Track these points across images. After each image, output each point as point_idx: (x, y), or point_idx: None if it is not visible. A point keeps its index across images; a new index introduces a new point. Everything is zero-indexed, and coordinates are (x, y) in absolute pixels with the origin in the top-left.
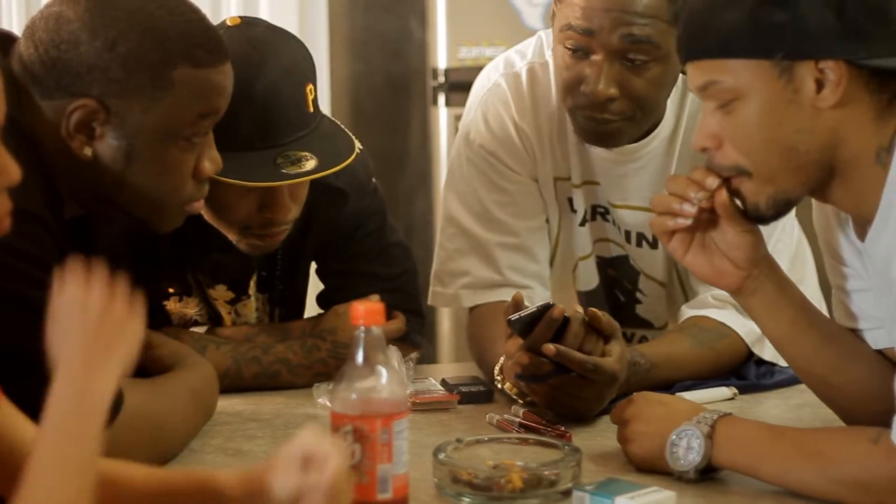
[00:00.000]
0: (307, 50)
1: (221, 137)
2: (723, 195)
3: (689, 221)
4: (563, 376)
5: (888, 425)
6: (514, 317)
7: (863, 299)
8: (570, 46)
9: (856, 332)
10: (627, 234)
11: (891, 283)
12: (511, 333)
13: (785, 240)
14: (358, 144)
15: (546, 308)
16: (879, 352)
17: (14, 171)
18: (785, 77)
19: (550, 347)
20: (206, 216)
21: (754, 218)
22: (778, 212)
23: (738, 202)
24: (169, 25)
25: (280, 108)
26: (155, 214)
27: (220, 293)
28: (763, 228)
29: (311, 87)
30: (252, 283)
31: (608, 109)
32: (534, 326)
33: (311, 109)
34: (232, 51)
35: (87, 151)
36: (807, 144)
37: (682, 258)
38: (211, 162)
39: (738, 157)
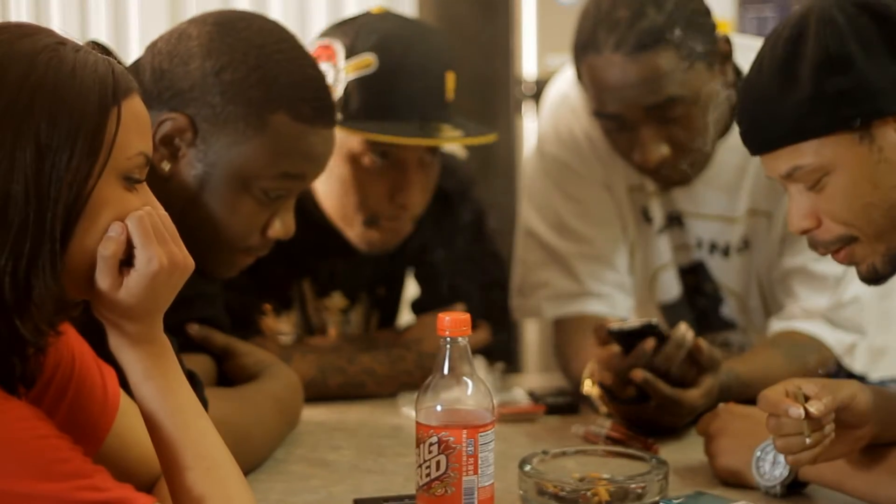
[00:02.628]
0: (450, 43)
1: (369, 106)
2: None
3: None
4: (643, 404)
5: None
6: (616, 328)
7: None
8: (605, 127)
9: None
10: (700, 241)
11: None
12: (607, 341)
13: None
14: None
15: (650, 327)
16: None
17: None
18: (866, 140)
19: (639, 374)
20: (331, 209)
21: (872, 280)
22: (894, 267)
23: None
24: (283, 70)
25: (426, 83)
26: (212, 255)
27: (336, 301)
28: None
29: (451, 74)
30: (364, 289)
31: (663, 165)
32: (633, 340)
33: (450, 96)
34: (384, 30)
35: (166, 166)
36: None
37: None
38: (283, 225)
39: (841, 229)
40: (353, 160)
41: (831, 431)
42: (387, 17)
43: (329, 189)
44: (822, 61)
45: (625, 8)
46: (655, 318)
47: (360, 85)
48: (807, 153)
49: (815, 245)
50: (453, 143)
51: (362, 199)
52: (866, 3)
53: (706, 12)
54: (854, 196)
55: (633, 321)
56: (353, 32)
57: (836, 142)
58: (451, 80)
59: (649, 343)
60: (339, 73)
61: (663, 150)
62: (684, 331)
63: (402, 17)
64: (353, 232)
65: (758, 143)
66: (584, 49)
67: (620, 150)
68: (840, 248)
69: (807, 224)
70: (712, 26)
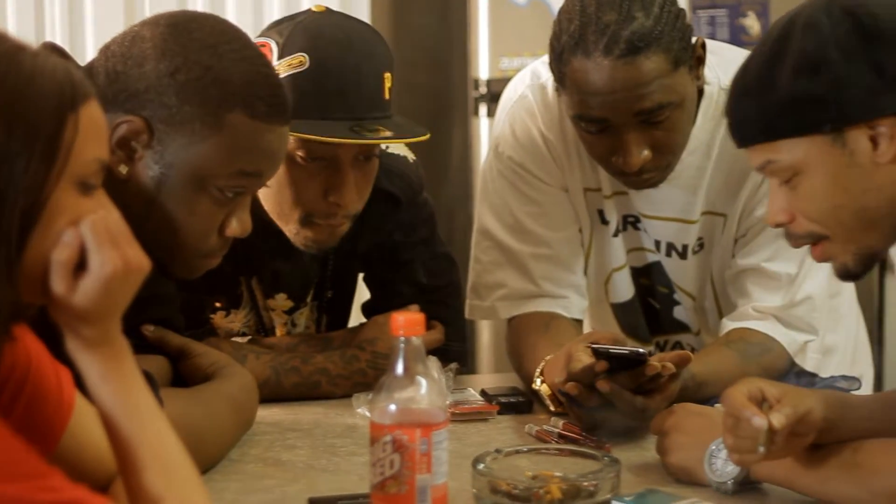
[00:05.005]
0: (388, 44)
1: (301, 104)
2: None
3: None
4: (608, 412)
5: None
6: (602, 348)
7: None
8: (586, 130)
9: None
10: (657, 243)
11: None
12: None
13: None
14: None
15: (639, 357)
16: None
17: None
18: (839, 144)
19: (605, 385)
20: (268, 206)
21: (846, 276)
22: (866, 267)
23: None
24: (237, 69)
25: (360, 82)
26: (172, 257)
27: (280, 302)
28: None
29: (388, 75)
30: (311, 292)
31: (644, 170)
32: (617, 364)
33: (387, 97)
34: (318, 29)
35: (123, 169)
36: (876, 201)
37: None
38: (239, 224)
39: (813, 226)
40: (288, 158)
41: (783, 440)
42: (324, 16)
43: (266, 187)
44: (800, 64)
45: (612, 11)
46: (644, 350)
47: (292, 83)
48: (780, 151)
49: (788, 238)
50: (381, 143)
51: (297, 196)
52: (853, 10)
53: (684, 16)
54: (824, 197)
55: (623, 347)
56: (287, 31)
57: (809, 143)
58: (387, 80)
59: (650, 368)
60: None
61: (646, 155)
62: (669, 371)
63: (341, 16)
64: (290, 230)
65: (738, 137)
66: (571, 51)
67: (598, 154)
68: (812, 243)
69: (781, 218)
70: (691, 30)
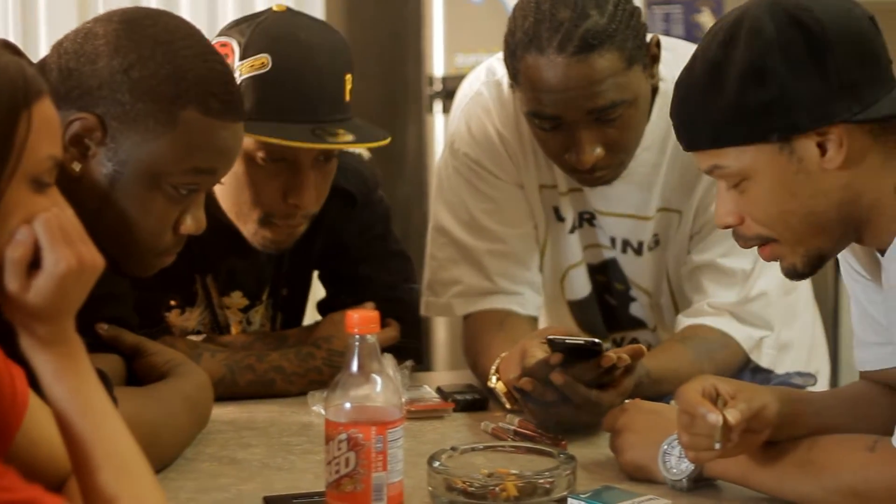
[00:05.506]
0: (349, 45)
1: (262, 106)
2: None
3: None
4: (563, 407)
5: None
6: (558, 338)
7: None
8: (539, 127)
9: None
10: (613, 240)
11: None
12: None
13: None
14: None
15: (594, 347)
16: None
17: None
18: (786, 151)
19: (559, 378)
20: (226, 206)
21: (794, 276)
22: (814, 268)
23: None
24: (191, 66)
25: (320, 84)
26: (126, 255)
27: (235, 300)
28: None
29: (349, 77)
30: (266, 290)
31: (597, 167)
32: (572, 355)
33: (348, 98)
34: (280, 30)
35: (76, 167)
36: (824, 206)
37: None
38: (194, 221)
39: (761, 230)
40: (248, 158)
41: (738, 437)
42: (285, 17)
43: (225, 186)
44: (746, 72)
45: (566, 8)
46: (599, 340)
47: (253, 84)
48: (728, 157)
49: (737, 238)
50: (343, 148)
51: (256, 197)
52: (799, 17)
53: (639, 14)
54: (772, 202)
55: (578, 338)
56: (249, 31)
57: (757, 150)
58: (348, 82)
59: (605, 359)
60: (234, 71)
61: (599, 152)
62: (625, 362)
63: (302, 17)
64: (248, 230)
65: (684, 140)
66: (525, 48)
67: (552, 151)
68: (761, 244)
69: (729, 220)
70: (646, 28)
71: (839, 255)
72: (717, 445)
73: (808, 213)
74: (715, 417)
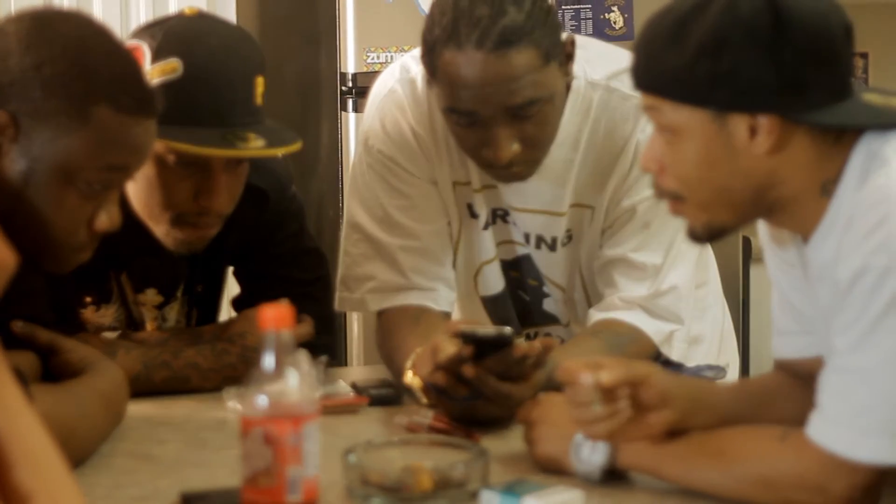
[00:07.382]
0: (260, 47)
1: (173, 111)
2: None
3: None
4: (475, 400)
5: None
6: (468, 331)
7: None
8: (457, 122)
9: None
10: (527, 236)
11: (835, 282)
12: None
13: (684, 248)
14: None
15: (504, 338)
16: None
17: None
18: (718, 122)
19: (471, 371)
20: (138, 206)
21: (692, 239)
22: (713, 237)
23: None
24: (102, 63)
25: (231, 89)
26: (41, 252)
27: (150, 297)
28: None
29: (260, 79)
30: (181, 286)
31: (513, 163)
32: (484, 347)
33: (259, 101)
34: (191, 34)
35: None
36: (741, 185)
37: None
38: (108, 217)
39: (676, 185)
40: (159, 161)
41: (627, 408)
42: (196, 21)
43: (136, 187)
44: (707, 39)
45: (484, 5)
46: (509, 329)
47: (164, 89)
48: (665, 109)
49: (654, 187)
50: (252, 156)
51: (168, 199)
52: (777, 5)
53: (555, 12)
54: (692, 165)
55: (489, 328)
56: (160, 35)
57: (692, 112)
58: (259, 85)
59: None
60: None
61: (515, 148)
62: (536, 351)
63: (213, 20)
64: (160, 230)
65: (634, 77)
66: (443, 43)
67: (468, 146)
68: (672, 199)
69: (651, 167)
70: (560, 26)
71: (765, 247)
72: (597, 408)
73: (723, 187)
74: (586, 377)
